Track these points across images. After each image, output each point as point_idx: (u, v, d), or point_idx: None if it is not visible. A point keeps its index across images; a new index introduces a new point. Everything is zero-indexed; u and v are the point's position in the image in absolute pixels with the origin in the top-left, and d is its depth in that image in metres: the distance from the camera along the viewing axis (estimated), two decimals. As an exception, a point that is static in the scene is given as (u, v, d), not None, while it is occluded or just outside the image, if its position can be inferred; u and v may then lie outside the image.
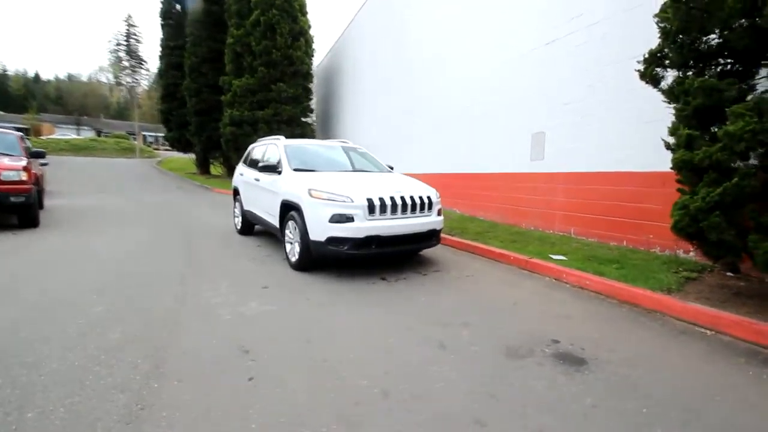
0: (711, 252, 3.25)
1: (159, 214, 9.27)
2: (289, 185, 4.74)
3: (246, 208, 6.45)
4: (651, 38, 4.89)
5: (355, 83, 15.63)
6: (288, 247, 4.78)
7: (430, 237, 4.64)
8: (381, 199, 4.18)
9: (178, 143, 21.20)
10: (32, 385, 2.16)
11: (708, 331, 2.99)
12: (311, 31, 17.41)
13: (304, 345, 2.70)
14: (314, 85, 18.33)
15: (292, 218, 4.58)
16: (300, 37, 16.86)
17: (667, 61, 3.74)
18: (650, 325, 3.12)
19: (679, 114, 3.47)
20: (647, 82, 3.92)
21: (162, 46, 20.88)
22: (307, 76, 17.62)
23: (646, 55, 3.89)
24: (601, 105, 5.58)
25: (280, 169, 5.11)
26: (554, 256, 4.77)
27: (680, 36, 3.37)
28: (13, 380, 2.19)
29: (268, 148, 6.01)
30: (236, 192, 7.01)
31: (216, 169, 22.02)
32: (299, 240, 4.42)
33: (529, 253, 5.08)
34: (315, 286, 4.03)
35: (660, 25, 3.53)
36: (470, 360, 2.53)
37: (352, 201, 4.09)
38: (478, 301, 3.65)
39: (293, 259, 4.61)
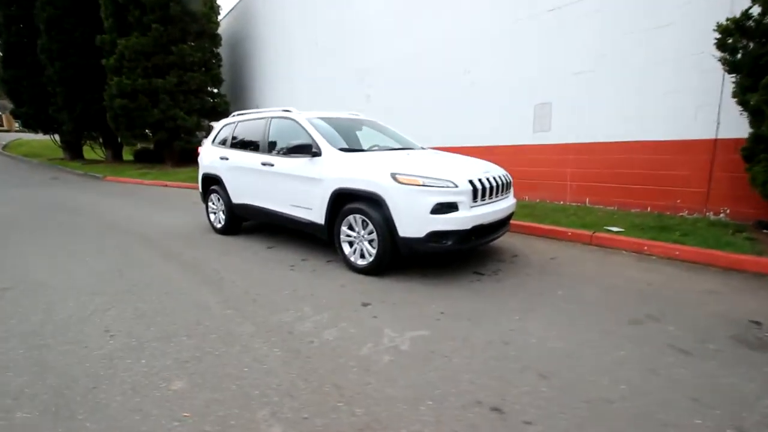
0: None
1: (69, 217, 6.91)
2: (348, 170, 3.73)
3: (237, 201, 5.07)
4: (672, 10, 5.07)
5: (278, 48, 13.77)
6: (347, 248, 3.83)
7: (509, 221, 4.18)
8: (480, 182, 3.54)
9: (35, 121, 16.33)
10: None
11: (836, 289, 3.20)
12: (215, -16, 14.76)
13: (546, 382, 2.04)
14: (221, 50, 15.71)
15: (358, 211, 3.63)
16: (203, -10, 14.15)
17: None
18: (787, 290, 3.22)
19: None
20: (723, 52, 3.95)
21: (-9, -11, 15.48)
22: (215, 37, 15.04)
23: (724, 23, 3.90)
24: (615, 75, 5.66)
25: (316, 150, 4.01)
26: (612, 228, 4.75)
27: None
28: None
29: (271, 123, 4.71)
30: (213, 181, 5.48)
31: (94, 152, 17.73)
32: (376, 238, 3.53)
33: (565, 225, 5.02)
34: (418, 292, 3.26)
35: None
36: (737, 364, 2.19)
37: (456, 186, 3.36)
38: (612, 287, 3.34)
39: (362, 263, 3.70)
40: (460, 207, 3.37)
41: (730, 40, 3.83)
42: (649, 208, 5.53)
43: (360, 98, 10.36)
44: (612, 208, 5.87)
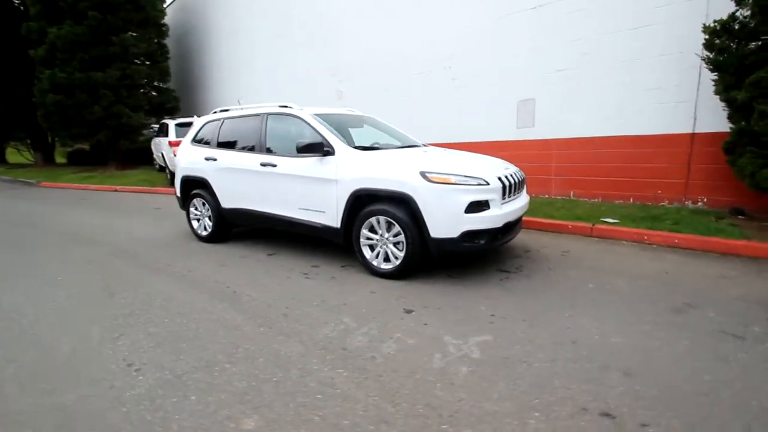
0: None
1: (14, 230, 6.03)
2: (369, 169, 3.52)
3: (229, 206, 4.66)
4: (650, 11, 5.36)
5: (236, 41, 12.99)
6: (367, 252, 3.63)
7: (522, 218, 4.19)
8: (507, 178, 3.50)
9: (-57, 119, 14.11)
10: None
11: (823, 268, 3.54)
12: (160, -31, 13.60)
13: (635, 381, 2.02)
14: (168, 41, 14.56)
15: (382, 213, 3.43)
16: (147, -25, 12.99)
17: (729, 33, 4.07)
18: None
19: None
20: (711, 52, 4.22)
21: None
22: (161, 27, 13.92)
23: (711, 25, 4.17)
24: (598, 72, 5.91)
25: (328, 149, 3.75)
26: (608, 219, 4.95)
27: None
28: None
29: (268, 120, 4.34)
30: (197, 184, 4.98)
31: (20, 155, 15.69)
32: (403, 240, 3.36)
33: (558, 218, 5.19)
34: (455, 294, 3.15)
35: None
36: (784, 345, 2.33)
37: (488, 183, 3.29)
38: (635, 277, 3.42)
39: (386, 267, 3.52)
40: (491, 205, 3.31)
41: (717, 41, 4.11)
42: (631, 199, 5.85)
43: (331, 94, 10.07)
44: (596, 200, 6.15)
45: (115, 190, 10.62)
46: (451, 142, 7.61)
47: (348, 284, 3.48)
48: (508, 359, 2.25)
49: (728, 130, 4.71)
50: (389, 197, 3.43)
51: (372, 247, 3.64)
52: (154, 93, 14.14)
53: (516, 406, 1.86)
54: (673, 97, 5.32)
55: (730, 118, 4.54)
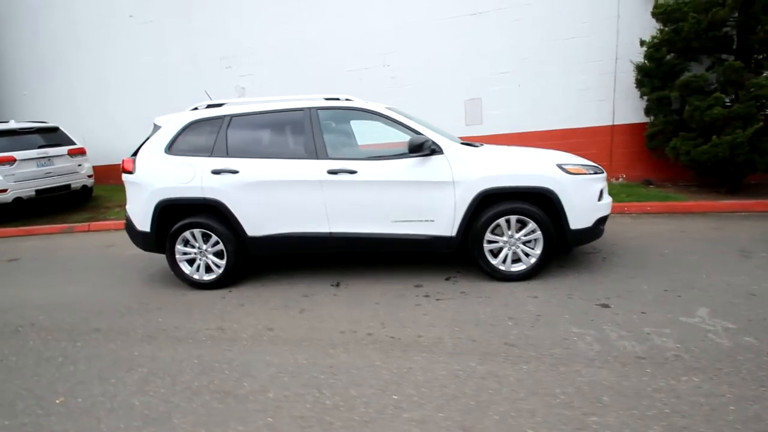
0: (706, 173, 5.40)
1: None
2: (500, 166, 3.22)
3: (264, 233, 3.46)
4: (575, 26, 6.55)
5: (45, 24, 9.48)
6: (491, 258, 3.31)
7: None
8: (592, 168, 3.75)
9: None
10: None
11: None
12: None
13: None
14: None
15: (515, 212, 3.18)
16: None
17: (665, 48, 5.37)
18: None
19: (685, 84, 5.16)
20: (648, 62, 5.47)
21: None
22: None
23: (647, 40, 5.40)
24: (537, 75, 6.83)
25: (434, 147, 3.23)
26: (584, 199, 5.84)
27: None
28: None
29: (319, 116, 3.38)
30: (194, 210, 3.50)
31: None
32: (540, 237, 3.20)
33: None
34: (608, 283, 3.20)
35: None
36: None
37: (603, 171, 3.46)
38: (674, 239, 4.18)
39: (517, 268, 3.31)
40: (604, 191, 3.51)
41: (656, 53, 5.36)
42: (570, 181, 7.04)
43: (228, 91, 8.49)
44: (542, 184, 7.14)
45: None
46: (396, 141, 7.52)
47: (494, 296, 3.11)
48: (754, 322, 2.48)
49: (640, 122, 6.24)
50: (524, 194, 3.22)
51: (493, 251, 3.35)
52: None
53: None
54: (597, 97, 6.65)
55: (648, 112, 6.00)
